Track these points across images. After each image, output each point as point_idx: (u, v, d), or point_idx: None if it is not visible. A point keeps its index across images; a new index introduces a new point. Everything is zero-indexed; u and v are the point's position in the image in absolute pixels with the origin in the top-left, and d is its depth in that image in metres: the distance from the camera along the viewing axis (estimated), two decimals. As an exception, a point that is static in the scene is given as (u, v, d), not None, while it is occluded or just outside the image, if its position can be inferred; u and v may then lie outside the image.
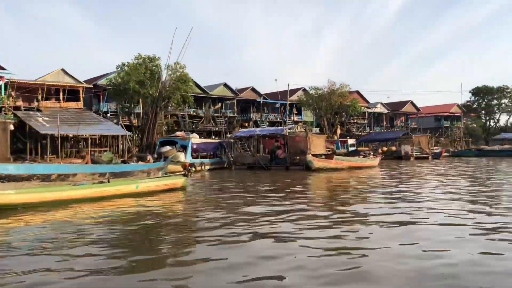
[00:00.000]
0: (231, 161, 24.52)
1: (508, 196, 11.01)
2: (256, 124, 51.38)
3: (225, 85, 50.57)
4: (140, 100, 31.57)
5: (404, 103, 67.85)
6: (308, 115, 54.81)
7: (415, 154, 36.99)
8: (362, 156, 26.26)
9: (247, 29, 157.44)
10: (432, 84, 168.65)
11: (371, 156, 25.64)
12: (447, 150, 44.37)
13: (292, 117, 56.31)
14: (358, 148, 28.93)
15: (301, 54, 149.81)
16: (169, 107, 33.74)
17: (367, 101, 61.06)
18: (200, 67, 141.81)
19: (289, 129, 25.02)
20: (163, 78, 27.66)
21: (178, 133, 22.54)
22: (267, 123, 52.84)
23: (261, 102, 48.78)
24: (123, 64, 29.83)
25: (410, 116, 69.75)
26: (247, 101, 52.20)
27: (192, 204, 10.29)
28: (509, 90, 59.35)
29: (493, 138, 53.66)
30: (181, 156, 20.38)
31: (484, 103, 61.08)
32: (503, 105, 61.03)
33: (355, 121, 59.50)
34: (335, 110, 44.23)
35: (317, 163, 20.88)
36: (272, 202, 9.92)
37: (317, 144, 23.25)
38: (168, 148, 21.91)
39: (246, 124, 51.47)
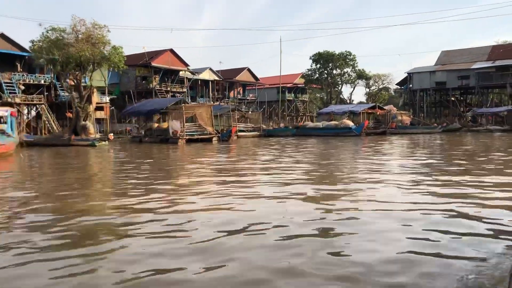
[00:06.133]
0: None
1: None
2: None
3: None
4: None
5: (239, 71, 56.01)
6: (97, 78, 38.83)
7: (188, 135, 24.18)
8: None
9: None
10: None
11: None
12: (248, 129, 32.91)
13: (69, 81, 40.21)
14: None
15: (181, 28, 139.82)
16: None
17: (186, 64, 47.44)
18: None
19: None
20: None
21: None
22: (22, 88, 36.14)
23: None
24: None
25: (248, 87, 58.40)
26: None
27: None
28: (351, 57, 50.68)
29: (319, 112, 43.42)
30: None
31: (326, 72, 51.76)
32: (346, 74, 52.48)
33: (170, 89, 45.60)
34: (80, 64, 28.80)
35: None
36: None
37: None
38: None
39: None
